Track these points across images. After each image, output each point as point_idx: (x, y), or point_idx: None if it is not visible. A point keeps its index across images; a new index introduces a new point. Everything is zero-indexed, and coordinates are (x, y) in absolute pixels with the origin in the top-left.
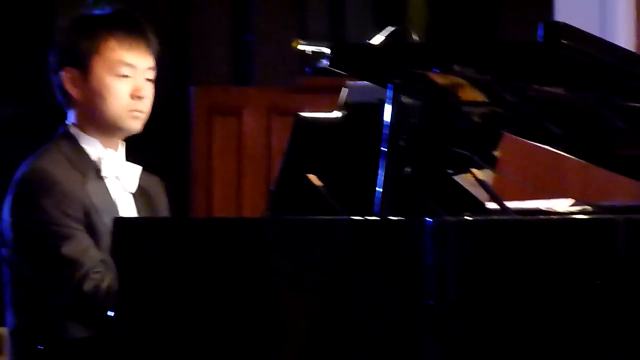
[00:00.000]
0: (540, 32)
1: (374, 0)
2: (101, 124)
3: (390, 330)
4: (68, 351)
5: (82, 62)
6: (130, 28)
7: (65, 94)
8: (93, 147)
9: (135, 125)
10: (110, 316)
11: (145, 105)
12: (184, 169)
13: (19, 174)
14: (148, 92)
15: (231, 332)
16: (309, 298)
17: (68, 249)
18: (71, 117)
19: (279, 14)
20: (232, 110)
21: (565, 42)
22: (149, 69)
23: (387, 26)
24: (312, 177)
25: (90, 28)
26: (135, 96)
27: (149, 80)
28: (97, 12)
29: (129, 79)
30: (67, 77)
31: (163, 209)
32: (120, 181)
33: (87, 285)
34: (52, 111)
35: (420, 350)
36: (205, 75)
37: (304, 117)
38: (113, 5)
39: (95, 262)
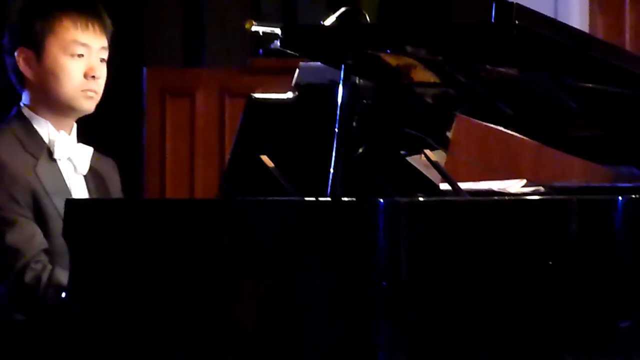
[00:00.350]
0: (493, 12)
1: None
2: (55, 104)
3: (343, 312)
4: (11, 333)
5: (36, 42)
6: (85, 8)
7: (19, 74)
8: (45, 128)
9: (89, 105)
10: (61, 300)
11: (99, 85)
12: (137, 150)
13: None
14: (102, 72)
15: (182, 313)
16: (261, 279)
17: (11, 237)
18: (24, 98)
19: None
20: (185, 92)
21: (517, 22)
22: (103, 49)
23: (339, 8)
24: (265, 158)
25: (45, 8)
26: (90, 76)
27: (102, 60)
28: None
29: (82, 59)
30: (21, 58)
31: (116, 191)
32: (72, 163)
33: (28, 276)
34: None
35: (372, 331)
36: (157, 56)
37: (257, 97)
38: None
39: (37, 252)
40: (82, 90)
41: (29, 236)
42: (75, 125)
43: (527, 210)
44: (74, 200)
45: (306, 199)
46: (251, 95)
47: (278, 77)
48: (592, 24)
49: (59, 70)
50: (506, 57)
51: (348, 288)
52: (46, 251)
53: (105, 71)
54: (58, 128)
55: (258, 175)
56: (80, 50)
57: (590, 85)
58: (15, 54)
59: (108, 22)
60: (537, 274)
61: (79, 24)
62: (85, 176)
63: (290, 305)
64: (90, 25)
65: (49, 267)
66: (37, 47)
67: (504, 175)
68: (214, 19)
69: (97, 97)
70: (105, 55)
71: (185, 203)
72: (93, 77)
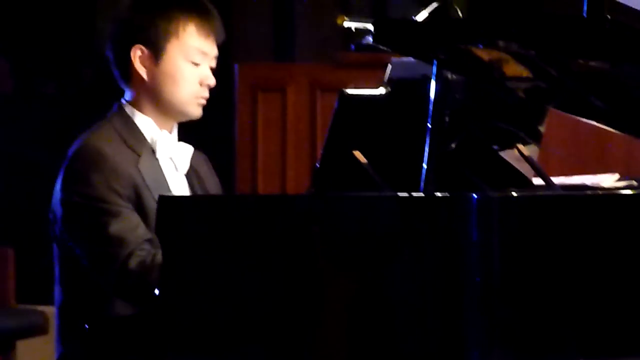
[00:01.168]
0: (584, 6)
1: None
2: (165, 106)
3: (436, 307)
4: (113, 329)
5: (157, 43)
6: (207, 15)
7: (125, 70)
8: (147, 126)
9: (199, 112)
10: (156, 294)
11: (208, 93)
12: (228, 146)
13: (71, 150)
14: (213, 80)
15: (275, 308)
16: (354, 275)
17: (115, 227)
18: (127, 95)
19: None
20: (276, 87)
21: (609, 16)
22: (215, 57)
23: (430, 3)
24: (357, 154)
25: (167, 9)
26: (205, 84)
27: (212, 68)
28: None
29: (199, 66)
30: (136, 55)
31: (212, 184)
32: (173, 162)
33: (133, 263)
34: (91, 90)
35: (466, 327)
36: (248, 52)
37: (349, 93)
38: None
39: (141, 241)
40: (195, 97)
41: (133, 226)
42: (176, 124)
43: (621, 204)
44: (167, 196)
45: (399, 194)
46: (343, 91)
47: (369, 71)
48: None
49: (178, 75)
50: (598, 50)
51: (441, 284)
52: (150, 241)
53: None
54: (160, 127)
55: (350, 170)
56: (198, 58)
57: None
58: (131, 51)
59: (221, 30)
60: (630, 269)
61: (202, 31)
62: (186, 175)
63: (382, 302)
64: (210, 34)
65: (153, 252)
66: (156, 48)
67: (595, 169)
68: (304, 14)
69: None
70: (214, 64)
71: (277, 198)
72: (207, 85)
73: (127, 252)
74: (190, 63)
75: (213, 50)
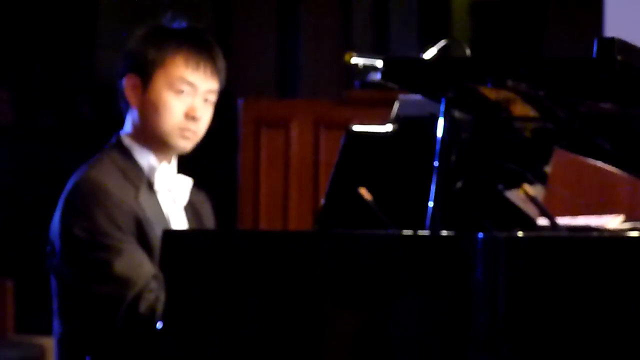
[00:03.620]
0: (595, 47)
1: (419, 13)
2: (152, 137)
3: (440, 346)
4: None
5: (145, 71)
6: (200, 47)
7: (124, 100)
8: (146, 159)
9: (184, 144)
10: (159, 329)
11: (199, 126)
12: (231, 181)
13: (71, 183)
14: (204, 113)
15: (278, 345)
16: (358, 314)
17: (120, 265)
18: (127, 126)
19: (325, 26)
20: (280, 122)
21: (619, 58)
22: (210, 91)
23: (430, 39)
24: (363, 191)
25: (161, 40)
26: (190, 116)
27: (208, 102)
28: (173, 25)
29: (186, 98)
30: (128, 83)
31: (209, 224)
32: (172, 194)
33: (143, 307)
34: (90, 122)
35: None
36: (251, 87)
37: (355, 130)
38: (182, 21)
39: (148, 280)
40: (180, 129)
41: (137, 264)
42: (175, 156)
43: (627, 247)
44: (171, 230)
45: (405, 232)
46: (350, 127)
47: (373, 109)
48: None
49: (161, 105)
50: (607, 92)
51: (446, 323)
52: (155, 277)
53: (209, 113)
54: (159, 158)
55: (356, 207)
56: (185, 88)
57: None
58: (124, 79)
59: (222, 65)
60: (635, 311)
61: (190, 62)
62: (185, 207)
63: (386, 340)
64: (201, 66)
65: (163, 296)
66: (145, 76)
67: (600, 210)
68: (308, 51)
69: (196, 138)
70: (212, 97)
71: (282, 235)
72: (193, 117)
73: (134, 294)
74: (174, 93)
75: (205, 84)
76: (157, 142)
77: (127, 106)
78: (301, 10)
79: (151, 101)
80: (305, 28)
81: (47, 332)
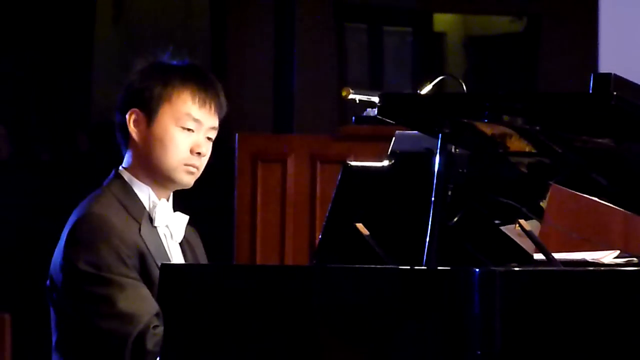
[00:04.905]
0: (591, 83)
1: (413, 49)
2: (155, 172)
3: None
4: None
5: (150, 106)
6: (206, 85)
7: (126, 135)
8: (146, 194)
9: (188, 179)
10: None
11: (202, 162)
12: (228, 216)
13: (74, 217)
14: (207, 150)
15: None
16: (355, 349)
17: (125, 301)
18: (126, 161)
19: (321, 62)
20: (276, 157)
21: (616, 93)
22: (213, 128)
23: (424, 75)
24: (360, 226)
25: (166, 75)
26: (195, 152)
27: (209, 139)
28: (175, 62)
29: (192, 134)
30: (132, 118)
31: (203, 260)
32: (169, 229)
33: (150, 343)
34: (87, 156)
35: None
36: (247, 122)
37: (353, 165)
38: (183, 58)
39: (152, 316)
40: (185, 165)
41: (141, 299)
42: (171, 193)
43: (623, 281)
44: (169, 264)
45: (401, 267)
46: (347, 163)
47: (369, 144)
48: None
49: (167, 140)
50: (603, 127)
51: (442, 357)
52: (158, 315)
53: (210, 149)
54: (158, 194)
55: (353, 242)
56: (191, 124)
57: None
58: (127, 114)
59: (225, 103)
60: (632, 346)
61: (197, 99)
62: (180, 243)
63: None
64: (207, 103)
65: None
66: (150, 111)
67: (595, 245)
68: (304, 86)
69: (198, 173)
70: (213, 135)
71: (279, 269)
72: (198, 153)
73: (138, 331)
74: (181, 129)
75: (209, 121)
76: (160, 177)
77: (125, 141)
78: (297, 46)
79: (156, 136)
80: (301, 63)
81: None
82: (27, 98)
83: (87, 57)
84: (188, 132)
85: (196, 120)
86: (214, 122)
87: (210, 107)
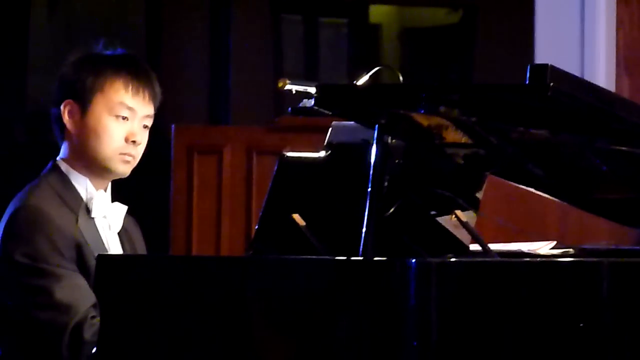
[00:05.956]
0: (527, 73)
1: (348, 41)
2: (91, 162)
3: None
4: None
5: (84, 97)
6: (138, 73)
7: (62, 126)
8: (83, 185)
9: (124, 169)
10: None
11: (138, 151)
12: (164, 207)
13: (10, 209)
14: (142, 138)
15: None
16: (290, 339)
17: (61, 292)
18: (63, 152)
19: (256, 53)
20: (212, 149)
21: (552, 84)
22: (148, 116)
23: (360, 66)
24: (296, 217)
25: (99, 66)
26: (130, 140)
27: (145, 127)
28: (108, 52)
29: (126, 122)
30: (66, 110)
31: (141, 248)
32: (107, 220)
33: (88, 333)
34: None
35: None
36: (183, 113)
37: (289, 156)
38: (116, 47)
39: (89, 307)
40: (120, 154)
41: (78, 290)
42: (110, 183)
43: (559, 272)
44: (106, 255)
45: (338, 258)
46: (283, 154)
47: (305, 135)
48: (618, 86)
49: (101, 130)
50: (539, 118)
51: (378, 348)
52: (95, 306)
53: (146, 138)
54: (95, 185)
55: (289, 233)
56: (125, 113)
57: (620, 147)
58: (62, 105)
59: (158, 90)
60: (567, 336)
61: (130, 87)
62: (119, 233)
63: None
64: (141, 91)
65: None
66: (84, 101)
67: (531, 236)
68: (239, 78)
69: (134, 162)
70: (149, 122)
71: (214, 260)
72: (133, 142)
73: (75, 321)
74: (114, 118)
75: (144, 109)
76: (96, 167)
77: (61, 132)
78: (233, 36)
79: (91, 126)
80: (236, 55)
81: None
82: None
83: (22, 47)
84: (123, 120)
85: (130, 109)
86: (149, 110)
87: (144, 95)
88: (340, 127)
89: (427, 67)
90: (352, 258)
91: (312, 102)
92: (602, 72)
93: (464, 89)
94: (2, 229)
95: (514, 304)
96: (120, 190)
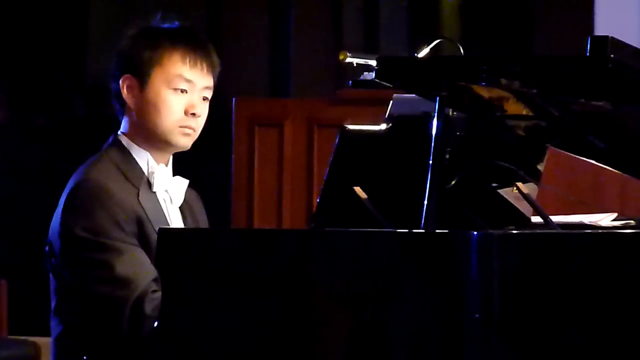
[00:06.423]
0: (588, 46)
1: (408, 13)
2: (151, 136)
3: (434, 344)
4: None
5: (142, 71)
6: (195, 45)
7: (122, 101)
8: (144, 159)
9: (185, 141)
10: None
11: (198, 123)
12: (225, 180)
13: (71, 183)
14: (202, 110)
15: (272, 344)
16: (352, 312)
17: (122, 267)
18: (123, 126)
19: (316, 26)
20: (273, 122)
21: (612, 56)
22: (207, 88)
23: (420, 38)
24: (358, 190)
25: (156, 39)
26: (190, 113)
27: (205, 99)
28: (164, 25)
29: (185, 95)
30: (125, 85)
31: (203, 221)
32: (169, 194)
33: (149, 308)
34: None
35: None
36: (244, 86)
37: (350, 129)
38: (173, 21)
39: (150, 281)
40: (180, 127)
41: (139, 265)
42: (171, 157)
43: (620, 244)
44: (167, 229)
45: (399, 230)
46: (344, 126)
47: (366, 107)
48: None
49: (160, 103)
50: (599, 90)
51: (440, 320)
52: (156, 280)
53: (206, 110)
54: (156, 159)
55: (350, 206)
56: (183, 85)
57: None
58: (120, 80)
59: (217, 61)
60: (629, 308)
61: (187, 60)
62: (180, 207)
63: (380, 339)
64: (198, 63)
65: None
66: (142, 76)
67: (592, 208)
68: (300, 50)
69: (195, 135)
70: (209, 94)
71: (275, 233)
72: (193, 114)
73: (136, 296)
74: (173, 91)
75: (202, 81)
76: (157, 140)
77: (121, 106)
78: (293, 9)
79: (150, 100)
80: (297, 27)
81: (40, 333)
82: (23, 65)
83: (82, 22)
84: (181, 93)
85: (188, 81)
86: (208, 81)
87: (202, 66)
88: (401, 99)
89: (487, 40)
90: (414, 231)
91: (373, 74)
92: None
93: (525, 61)
94: (63, 203)
95: (575, 276)
96: (182, 165)
